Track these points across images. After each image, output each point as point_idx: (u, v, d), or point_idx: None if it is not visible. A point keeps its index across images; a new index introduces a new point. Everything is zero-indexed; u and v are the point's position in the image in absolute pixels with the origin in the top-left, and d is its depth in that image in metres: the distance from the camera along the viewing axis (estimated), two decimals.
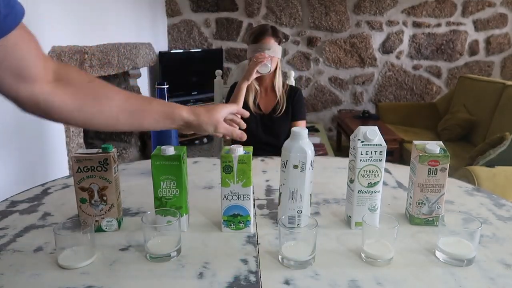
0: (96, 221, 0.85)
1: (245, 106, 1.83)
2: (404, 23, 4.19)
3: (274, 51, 1.77)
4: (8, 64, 0.60)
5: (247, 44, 1.85)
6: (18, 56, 0.60)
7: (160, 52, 3.75)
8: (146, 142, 3.59)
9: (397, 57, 4.28)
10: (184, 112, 0.80)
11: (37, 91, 0.64)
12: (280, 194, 0.88)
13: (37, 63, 0.64)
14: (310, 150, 0.84)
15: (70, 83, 0.68)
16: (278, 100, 1.86)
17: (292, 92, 1.90)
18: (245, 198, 0.85)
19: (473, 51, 4.22)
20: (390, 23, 4.18)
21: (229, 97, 1.89)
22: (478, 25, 4.15)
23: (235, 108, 0.87)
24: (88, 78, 0.73)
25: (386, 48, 4.25)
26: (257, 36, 1.79)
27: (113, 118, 0.72)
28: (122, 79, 3.40)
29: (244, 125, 0.95)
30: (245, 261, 0.76)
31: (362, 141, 0.84)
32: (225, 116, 0.87)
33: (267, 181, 1.19)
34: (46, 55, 0.67)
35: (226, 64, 4.34)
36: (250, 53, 1.81)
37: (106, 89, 0.73)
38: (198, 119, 0.81)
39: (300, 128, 0.84)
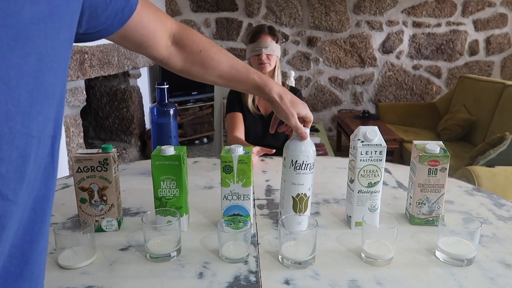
0: (96, 221, 0.85)
1: (245, 107, 1.83)
2: (404, 23, 4.19)
3: (271, 49, 1.76)
4: (132, 39, 0.71)
5: (246, 44, 1.85)
6: (138, 34, 0.71)
7: None
8: (146, 142, 3.59)
9: (397, 57, 4.28)
10: (274, 90, 0.88)
11: (155, 55, 0.79)
12: (281, 193, 0.88)
13: (157, 34, 0.75)
14: (312, 150, 0.84)
15: (183, 48, 0.81)
16: None
17: (292, 93, 1.90)
18: (245, 198, 0.85)
19: (473, 51, 4.22)
20: (390, 23, 4.19)
21: (230, 98, 1.89)
22: (478, 25, 4.15)
23: (310, 115, 0.91)
24: (200, 45, 0.83)
25: (386, 48, 4.25)
26: (254, 35, 1.79)
27: (212, 81, 0.88)
28: (122, 79, 3.40)
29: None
30: (245, 261, 0.76)
31: (362, 141, 0.84)
32: (299, 113, 0.90)
33: (267, 181, 1.19)
34: (166, 17, 0.78)
35: None
36: (249, 53, 1.81)
37: (213, 61, 0.84)
38: (281, 102, 0.87)
39: (306, 129, 0.85)
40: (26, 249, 0.42)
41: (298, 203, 0.85)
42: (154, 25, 0.74)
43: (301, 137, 0.84)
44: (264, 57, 1.75)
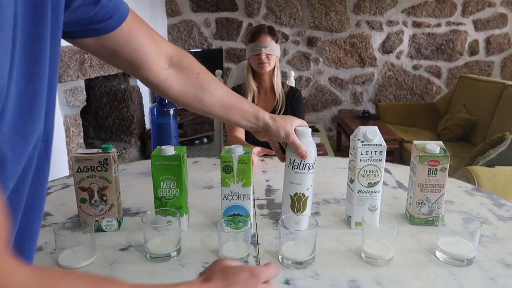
0: (96, 221, 0.85)
1: None
2: (404, 23, 4.19)
3: (271, 49, 1.76)
4: (123, 54, 0.68)
5: (245, 44, 1.85)
6: (130, 48, 0.68)
7: None
8: (146, 142, 3.59)
9: (397, 57, 4.28)
10: (267, 116, 0.86)
11: (151, 77, 0.74)
12: (283, 193, 0.88)
13: (151, 52, 0.72)
14: (313, 150, 0.84)
15: (182, 70, 0.78)
16: (277, 100, 1.86)
17: (291, 93, 1.90)
18: (245, 198, 0.85)
19: (473, 51, 4.22)
20: (390, 23, 4.19)
21: None
22: (478, 25, 4.15)
23: (304, 123, 0.90)
24: (198, 68, 0.81)
25: (386, 48, 4.25)
26: (254, 34, 1.78)
27: (209, 108, 0.83)
28: (122, 79, 3.40)
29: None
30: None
31: (362, 141, 0.84)
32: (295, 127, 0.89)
33: (267, 181, 1.19)
34: (162, 40, 0.75)
35: (226, 64, 4.34)
36: (248, 53, 1.81)
37: (210, 84, 0.82)
38: (275, 123, 0.85)
39: (305, 128, 0.85)
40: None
41: (296, 203, 0.85)
42: (148, 41, 0.71)
43: (302, 157, 0.83)
44: (263, 56, 1.75)
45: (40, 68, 0.42)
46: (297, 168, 0.83)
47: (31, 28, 0.40)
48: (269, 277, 0.57)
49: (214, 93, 0.82)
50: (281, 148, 0.92)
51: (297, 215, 0.85)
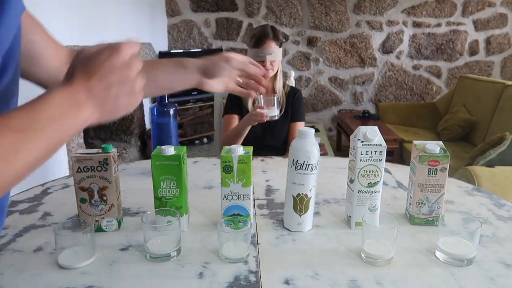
0: (96, 221, 0.85)
1: (245, 108, 1.83)
2: (404, 23, 4.19)
3: (275, 55, 1.75)
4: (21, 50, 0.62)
5: (248, 46, 1.84)
6: (29, 40, 0.63)
7: (160, 52, 3.75)
8: (146, 142, 3.59)
9: (397, 57, 4.28)
10: (192, 59, 0.79)
11: (51, 71, 0.68)
12: (286, 193, 0.88)
13: (49, 46, 0.67)
14: (316, 150, 0.83)
15: None
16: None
17: (292, 93, 1.89)
18: (245, 198, 0.85)
19: (473, 51, 4.22)
20: (390, 23, 4.19)
21: (229, 100, 1.89)
22: (478, 25, 4.15)
23: (244, 58, 0.82)
24: None
25: (386, 48, 4.25)
26: (258, 40, 1.75)
27: None
28: None
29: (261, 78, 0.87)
30: (245, 261, 0.76)
31: (362, 141, 0.84)
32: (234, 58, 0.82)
33: (267, 181, 1.19)
34: (57, 41, 0.70)
35: None
36: (252, 57, 1.79)
37: None
38: (209, 60, 0.78)
39: (308, 128, 0.84)
40: None
41: (299, 203, 0.85)
42: (47, 37, 0.67)
43: (261, 70, 0.78)
44: (268, 64, 1.73)
45: None
46: (300, 169, 0.83)
47: None
48: (131, 49, 0.52)
49: None
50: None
51: (299, 215, 0.85)
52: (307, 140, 0.83)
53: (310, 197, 0.86)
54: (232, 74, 0.83)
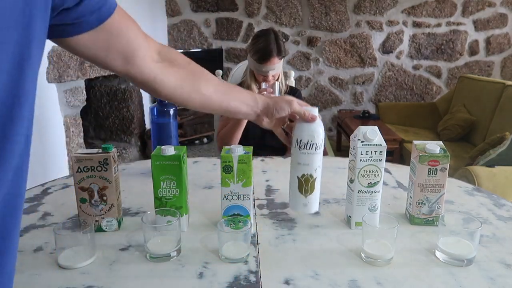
0: (96, 221, 0.85)
1: None
2: (404, 23, 4.19)
3: (278, 68, 1.74)
4: (116, 47, 0.66)
5: (249, 53, 1.78)
6: (123, 41, 0.66)
7: None
8: (146, 142, 3.59)
9: (397, 57, 4.28)
10: (263, 97, 0.84)
11: (146, 70, 0.72)
12: (290, 175, 0.86)
13: (142, 45, 0.70)
14: (321, 129, 0.82)
15: (173, 63, 0.76)
16: None
17: (292, 93, 1.89)
18: (245, 198, 0.85)
19: (473, 51, 4.22)
20: (390, 23, 4.18)
21: None
22: (478, 25, 4.15)
23: (303, 103, 0.86)
24: (187, 60, 0.79)
25: (386, 48, 4.25)
26: (261, 58, 1.71)
27: (208, 97, 0.80)
28: (122, 79, 3.40)
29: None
30: (245, 261, 0.76)
31: (362, 141, 0.84)
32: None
33: (267, 181, 1.19)
34: (147, 35, 0.73)
35: (226, 64, 4.34)
36: (253, 67, 1.76)
37: (203, 73, 0.80)
38: (274, 99, 0.84)
39: (312, 108, 0.82)
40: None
41: (304, 184, 0.83)
42: (139, 32, 0.69)
43: (311, 119, 0.80)
44: (270, 77, 1.73)
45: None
46: (304, 148, 0.81)
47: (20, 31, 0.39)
48: None
49: (209, 81, 0.80)
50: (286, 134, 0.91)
51: (305, 196, 0.84)
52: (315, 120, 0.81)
53: (316, 178, 0.83)
54: (286, 116, 0.87)
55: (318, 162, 0.83)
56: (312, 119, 0.80)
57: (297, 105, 0.82)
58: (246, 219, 0.83)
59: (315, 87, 4.39)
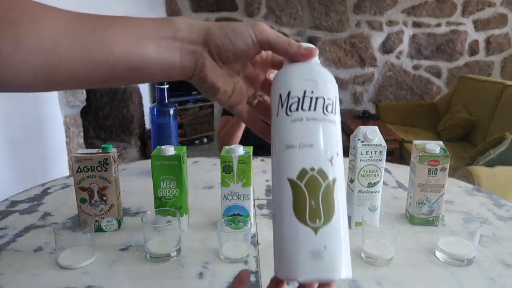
0: (96, 221, 0.85)
1: None
2: (404, 23, 4.19)
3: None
4: None
5: None
6: None
7: None
8: (146, 142, 3.59)
9: (397, 57, 4.28)
10: (193, 21, 0.44)
11: None
12: (272, 181, 0.42)
13: None
14: (326, 75, 0.45)
15: None
16: None
17: None
18: (245, 198, 0.85)
19: (473, 51, 4.22)
20: (390, 23, 4.18)
21: None
22: (478, 25, 4.15)
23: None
24: None
25: (386, 48, 4.25)
26: None
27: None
28: None
29: None
30: (245, 261, 0.76)
31: (362, 141, 0.84)
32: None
33: (267, 181, 1.19)
34: None
35: None
36: None
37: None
38: (216, 23, 0.44)
39: (308, 44, 0.48)
40: None
41: (307, 194, 0.37)
42: None
43: (307, 54, 0.46)
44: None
45: None
46: (296, 110, 0.39)
47: None
48: None
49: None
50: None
51: (312, 229, 0.36)
52: (314, 61, 0.50)
53: (336, 179, 0.38)
54: (250, 56, 0.49)
55: (337, 138, 0.40)
56: (308, 54, 0.45)
57: (270, 29, 0.43)
58: (246, 219, 0.83)
59: None
